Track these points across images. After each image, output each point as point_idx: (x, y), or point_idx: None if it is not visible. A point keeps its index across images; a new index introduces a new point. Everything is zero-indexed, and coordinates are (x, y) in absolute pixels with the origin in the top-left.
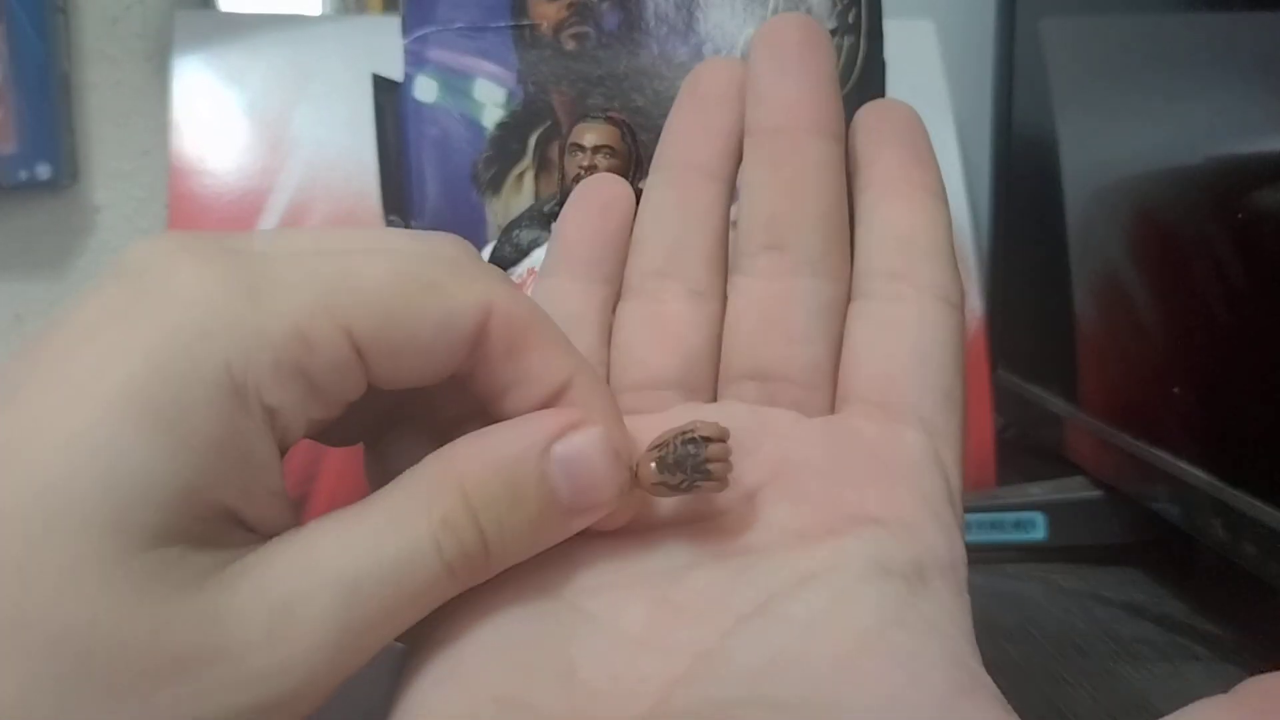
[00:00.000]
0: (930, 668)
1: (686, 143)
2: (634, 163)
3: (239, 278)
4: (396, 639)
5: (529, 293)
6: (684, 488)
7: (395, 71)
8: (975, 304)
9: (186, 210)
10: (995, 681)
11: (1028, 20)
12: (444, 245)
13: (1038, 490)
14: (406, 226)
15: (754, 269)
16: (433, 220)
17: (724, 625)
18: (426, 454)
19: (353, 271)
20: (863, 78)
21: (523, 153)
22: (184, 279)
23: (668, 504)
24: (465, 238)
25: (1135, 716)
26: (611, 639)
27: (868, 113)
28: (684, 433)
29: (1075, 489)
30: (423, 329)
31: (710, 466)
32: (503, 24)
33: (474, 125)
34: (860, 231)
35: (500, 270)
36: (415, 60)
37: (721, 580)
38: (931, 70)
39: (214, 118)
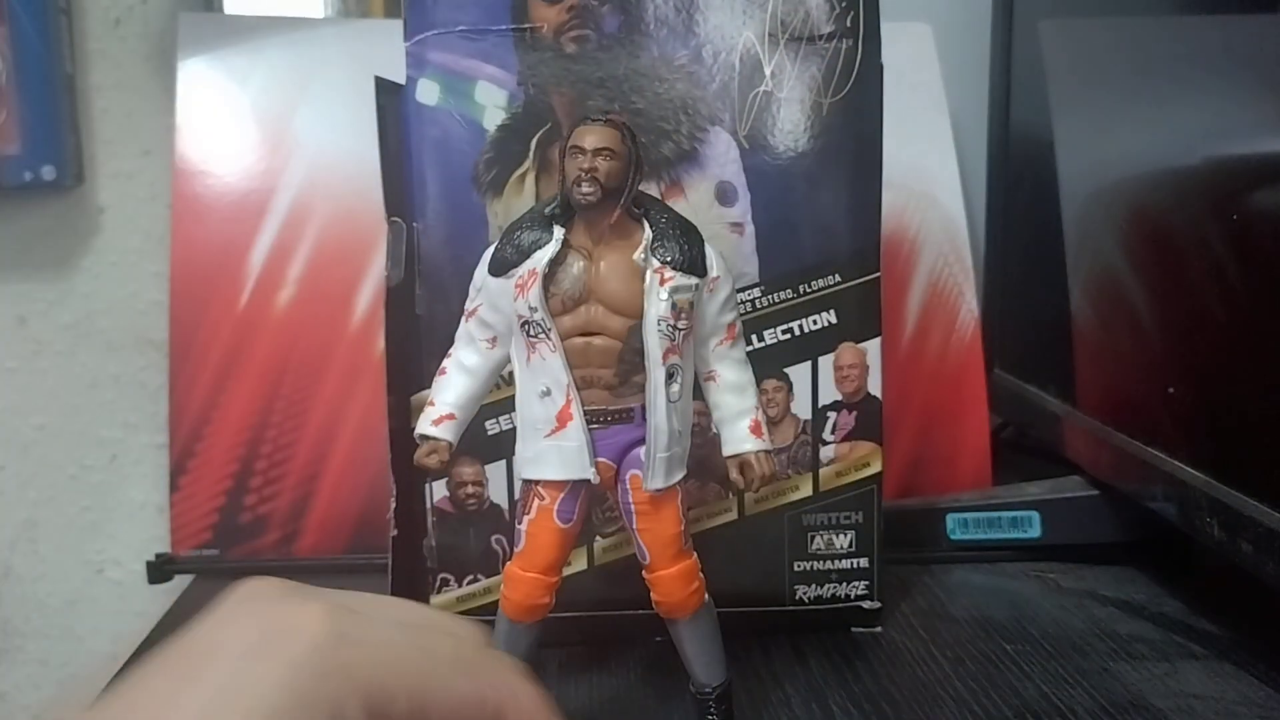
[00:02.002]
0: None
1: None
2: (634, 165)
3: (342, 629)
4: None
5: (528, 296)
6: None
7: (397, 74)
8: (972, 305)
9: (190, 211)
10: (993, 679)
11: (1025, 23)
12: (474, 633)
13: (1034, 489)
14: (409, 227)
15: None
16: (434, 221)
17: None
18: None
19: (415, 651)
20: (860, 81)
21: (524, 154)
22: (305, 623)
23: None
24: (466, 239)
25: (1133, 714)
26: None
27: None
28: None
29: (1071, 488)
30: (448, 702)
31: None
32: (504, 27)
33: (475, 127)
34: None
35: (522, 666)
36: (417, 63)
37: None
38: (929, 73)
39: (217, 119)
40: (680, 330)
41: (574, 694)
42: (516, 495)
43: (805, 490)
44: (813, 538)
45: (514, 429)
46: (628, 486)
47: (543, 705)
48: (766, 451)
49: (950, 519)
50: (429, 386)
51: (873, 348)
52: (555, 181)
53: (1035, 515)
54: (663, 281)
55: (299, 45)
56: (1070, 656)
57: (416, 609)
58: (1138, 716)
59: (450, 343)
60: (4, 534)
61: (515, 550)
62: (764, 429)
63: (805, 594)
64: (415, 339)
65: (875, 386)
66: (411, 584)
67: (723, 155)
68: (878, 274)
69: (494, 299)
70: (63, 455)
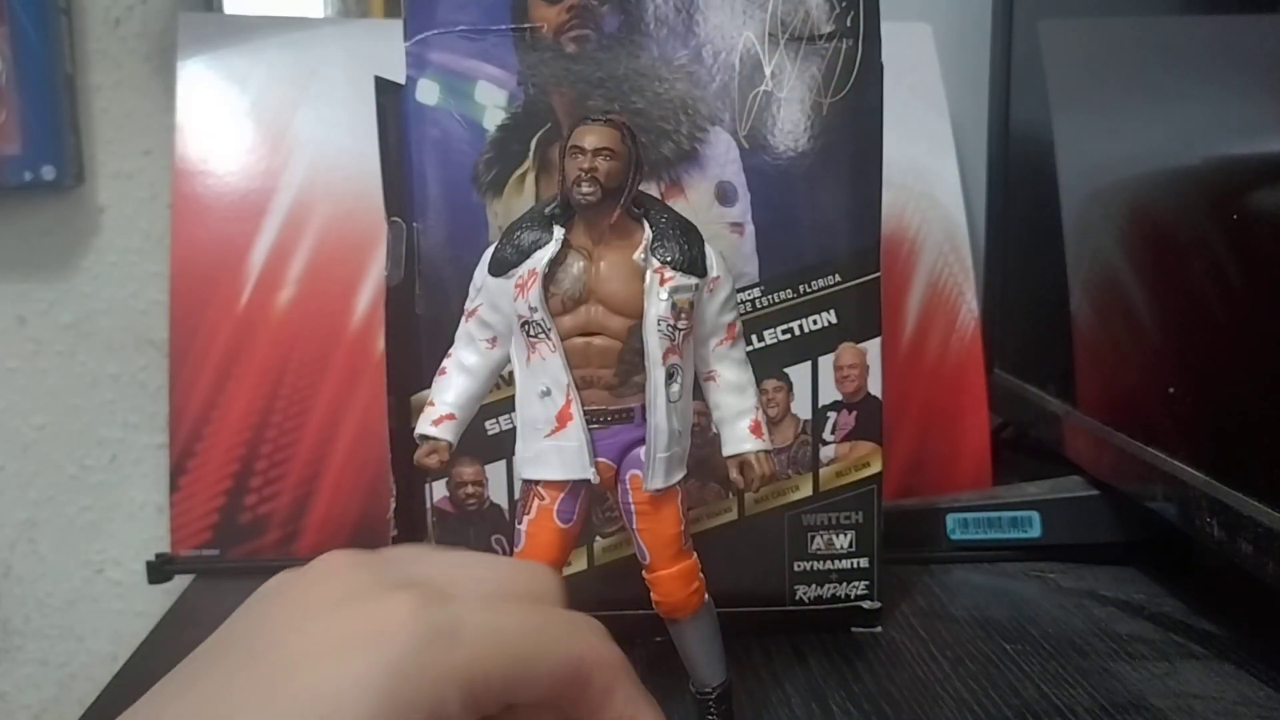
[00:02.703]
0: None
1: None
2: (634, 165)
3: (435, 624)
4: None
5: (529, 296)
6: None
7: (397, 74)
8: (972, 305)
9: (190, 211)
10: (993, 679)
11: (1025, 23)
12: (550, 584)
13: (1034, 489)
14: (409, 227)
15: None
16: (434, 221)
17: None
18: None
19: (509, 628)
20: (860, 81)
21: (524, 154)
22: (396, 621)
23: None
24: (466, 239)
25: (1133, 714)
26: None
27: None
28: None
29: (1071, 488)
30: (543, 673)
31: None
32: (504, 27)
33: (475, 127)
34: None
35: (599, 625)
36: (417, 63)
37: None
38: (929, 73)
39: (217, 119)
40: (680, 330)
41: None
42: (516, 495)
43: (805, 490)
44: (813, 538)
45: (514, 429)
46: (628, 486)
47: (623, 666)
48: (766, 451)
49: (950, 519)
50: (429, 386)
51: (873, 348)
52: (555, 181)
53: (1035, 515)
54: (663, 281)
55: (299, 45)
56: (1070, 656)
57: (496, 566)
58: (1138, 716)
59: (450, 343)
60: (4, 534)
61: (515, 550)
62: (764, 429)
63: (805, 594)
64: (415, 339)
65: (875, 386)
66: None
67: (723, 155)
68: (878, 274)
69: (494, 299)
70: (63, 455)
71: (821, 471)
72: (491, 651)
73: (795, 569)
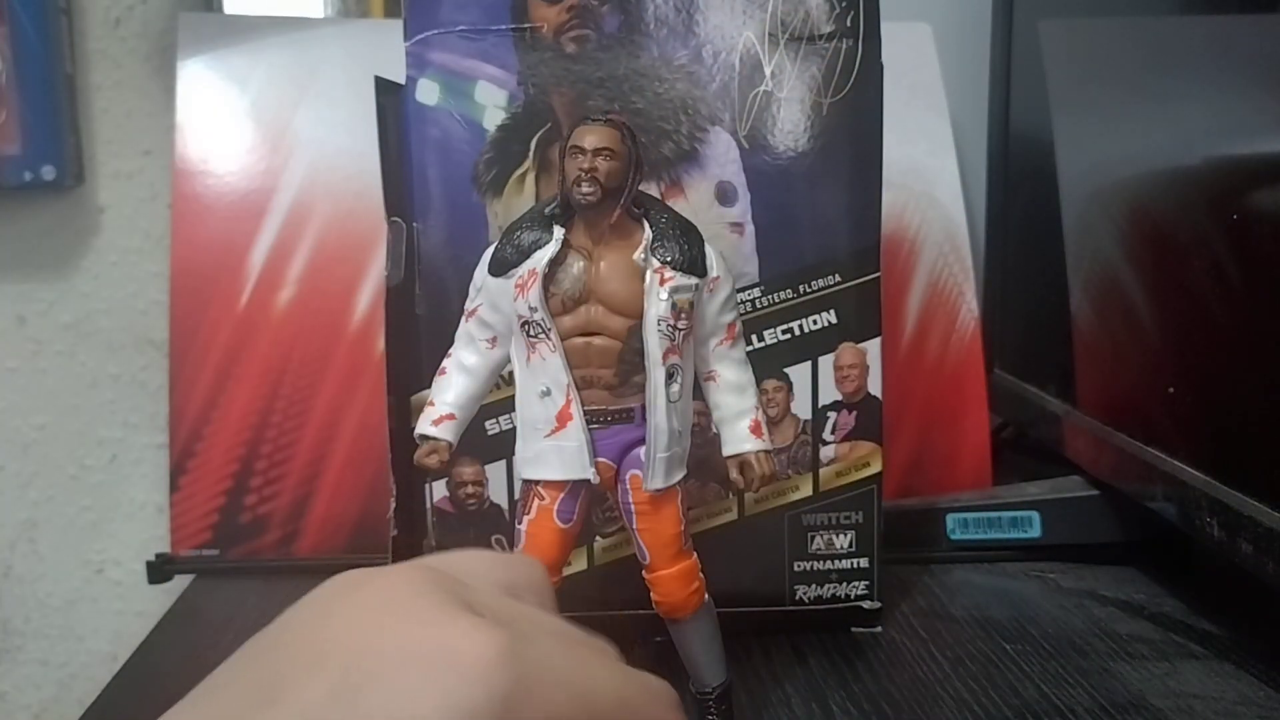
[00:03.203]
0: None
1: None
2: (633, 165)
3: (521, 674)
4: None
5: (529, 296)
6: None
7: (397, 74)
8: (972, 305)
9: (190, 211)
10: (993, 679)
11: (1024, 23)
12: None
13: (1034, 489)
14: (409, 227)
15: None
16: (435, 221)
17: None
18: None
19: (591, 684)
20: (860, 81)
21: (524, 154)
22: (481, 661)
23: None
24: (466, 239)
25: (1133, 714)
26: None
27: None
28: None
29: (1071, 488)
30: None
31: None
32: (504, 27)
33: (475, 127)
34: None
35: (670, 689)
36: (417, 63)
37: None
38: (929, 73)
39: (217, 119)
40: (680, 330)
41: None
42: (516, 495)
43: (805, 490)
44: (813, 538)
45: (514, 429)
46: (628, 486)
47: None
48: (766, 451)
49: (950, 519)
50: (429, 386)
51: (873, 348)
52: (555, 181)
53: (1035, 515)
54: (663, 281)
55: (299, 45)
56: (1070, 656)
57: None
58: (1138, 716)
59: (450, 343)
60: (4, 534)
61: (515, 550)
62: (764, 429)
63: (805, 594)
64: (415, 339)
65: (875, 386)
66: None
67: (723, 155)
68: (878, 274)
69: (494, 299)
70: (63, 455)
71: (821, 471)
72: (562, 704)
73: (795, 569)
